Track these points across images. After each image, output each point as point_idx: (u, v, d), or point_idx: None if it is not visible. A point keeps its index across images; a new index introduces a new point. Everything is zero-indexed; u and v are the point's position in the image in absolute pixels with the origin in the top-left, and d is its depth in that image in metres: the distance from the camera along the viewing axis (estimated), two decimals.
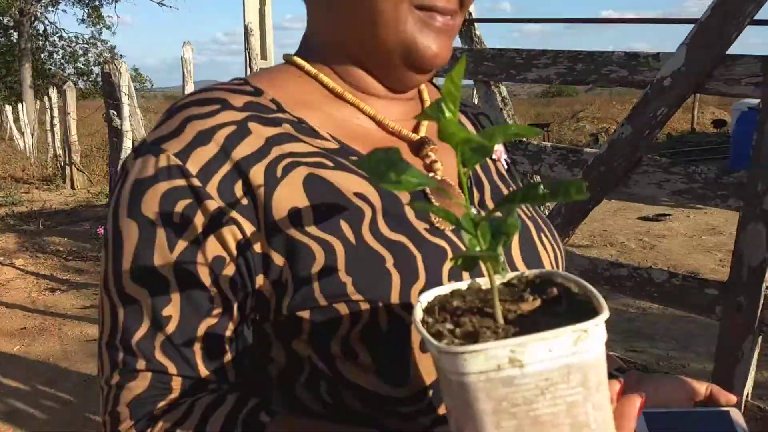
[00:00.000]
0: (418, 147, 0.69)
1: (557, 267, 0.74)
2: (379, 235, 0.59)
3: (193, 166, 0.58)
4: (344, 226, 0.59)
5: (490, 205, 0.71)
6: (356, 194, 0.61)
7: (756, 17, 1.71)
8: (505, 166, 0.82)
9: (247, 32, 4.30)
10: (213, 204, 0.58)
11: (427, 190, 0.66)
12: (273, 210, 0.58)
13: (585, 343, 0.38)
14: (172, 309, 0.59)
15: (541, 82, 2.15)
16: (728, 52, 1.75)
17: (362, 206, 0.60)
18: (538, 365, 0.38)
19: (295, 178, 0.60)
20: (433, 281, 0.59)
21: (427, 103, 0.74)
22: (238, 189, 0.58)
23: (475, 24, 2.34)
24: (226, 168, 0.58)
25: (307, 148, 0.62)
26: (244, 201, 0.58)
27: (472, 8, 1.67)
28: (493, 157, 0.80)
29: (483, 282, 0.47)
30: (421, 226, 0.62)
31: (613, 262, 2.05)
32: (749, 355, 1.75)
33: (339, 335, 0.58)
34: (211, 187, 0.58)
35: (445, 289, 0.48)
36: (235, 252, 0.59)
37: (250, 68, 4.27)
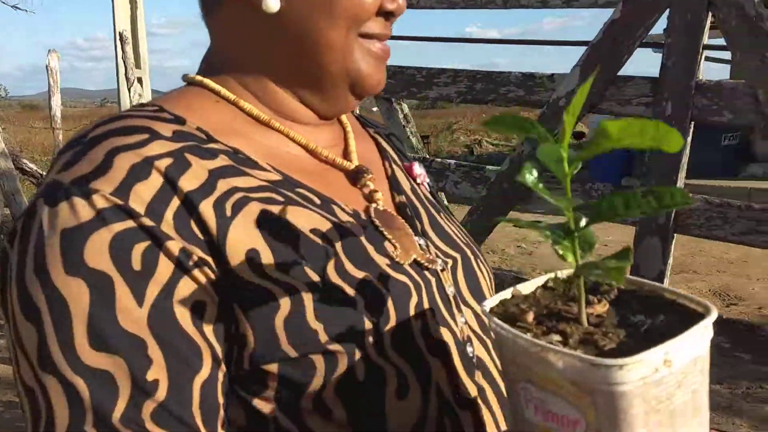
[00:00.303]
0: (355, 176, 0.67)
1: (492, 293, 0.72)
2: (346, 275, 0.56)
3: (138, 204, 0.51)
4: (308, 268, 0.55)
5: (430, 233, 0.69)
6: (313, 231, 0.57)
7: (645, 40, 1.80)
8: (428, 189, 0.80)
9: (121, 39, 4.01)
10: (175, 245, 0.52)
11: (376, 221, 0.63)
12: (228, 253, 0.53)
13: (706, 334, 0.43)
14: (158, 371, 0.51)
15: (442, 99, 2.15)
16: (620, 73, 1.83)
17: (323, 244, 0.57)
18: (680, 361, 0.42)
19: (248, 217, 0.55)
20: (402, 321, 0.57)
21: (348, 127, 0.72)
22: (194, 226, 0.53)
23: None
24: (175, 203, 0.53)
25: (252, 181, 0.58)
26: (203, 240, 0.53)
27: None
28: (418, 181, 0.78)
29: (523, 287, 0.50)
30: (383, 261, 0.60)
31: (517, 276, 2.07)
32: None
33: (311, 390, 0.54)
34: (167, 226, 0.52)
35: (500, 297, 0.49)
36: (214, 294, 0.53)
37: (127, 78, 4.00)
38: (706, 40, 1.70)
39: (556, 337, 0.44)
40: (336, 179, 0.66)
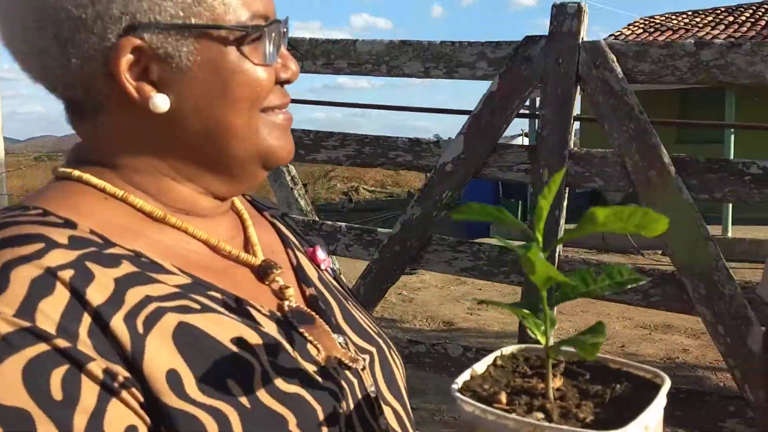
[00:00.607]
0: (263, 272, 0.64)
1: (405, 384, 0.71)
2: (274, 390, 0.54)
3: (47, 324, 0.47)
4: (234, 387, 0.51)
5: (345, 327, 0.68)
6: (234, 341, 0.54)
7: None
8: (332, 274, 0.78)
9: None
10: (97, 366, 0.47)
11: (294, 322, 0.61)
12: (147, 374, 0.49)
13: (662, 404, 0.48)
14: None
15: (330, 163, 2.15)
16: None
17: (247, 357, 0.54)
18: (653, 426, 0.46)
19: (164, 331, 0.51)
20: (333, 428, 0.56)
21: (244, 213, 0.70)
22: (111, 345, 0.49)
23: None
24: (86, 319, 0.48)
25: (162, 288, 0.54)
26: (122, 359, 0.49)
27: None
28: (322, 267, 0.76)
29: (477, 367, 0.52)
30: (310, 368, 0.58)
31: (410, 339, 2.08)
32: None
33: None
34: (84, 346, 0.47)
35: (462, 379, 0.51)
36: (145, 416, 0.48)
37: None
38: (576, 112, 1.84)
39: (539, 415, 0.47)
40: (243, 277, 0.63)
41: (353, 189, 17.77)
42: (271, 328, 0.59)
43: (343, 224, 2.15)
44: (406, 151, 2.04)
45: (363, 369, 0.64)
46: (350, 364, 0.63)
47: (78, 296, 0.48)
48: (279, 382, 0.54)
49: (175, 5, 0.57)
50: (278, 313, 0.62)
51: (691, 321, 5.59)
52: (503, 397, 0.49)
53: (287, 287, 0.64)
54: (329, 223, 2.15)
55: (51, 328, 0.46)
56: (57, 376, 0.45)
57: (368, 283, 2.06)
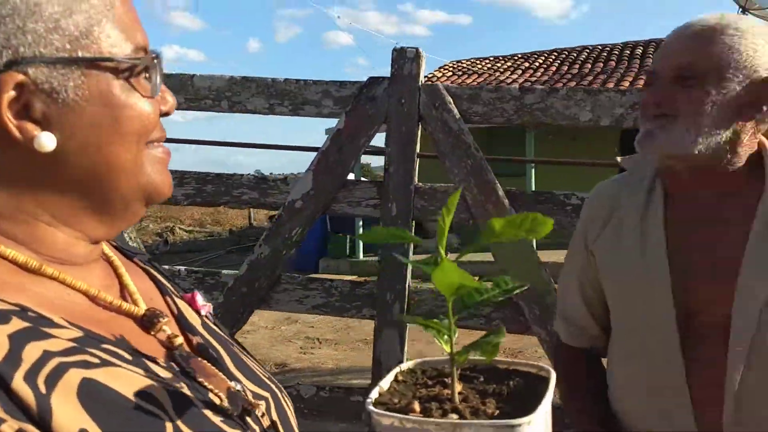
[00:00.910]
0: (148, 322, 0.62)
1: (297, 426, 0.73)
2: None
3: None
4: None
5: (237, 374, 0.67)
6: (139, 395, 0.53)
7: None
8: (212, 319, 0.77)
9: None
10: (9, 428, 0.45)
11: (190, 371, 0.61)
12: None
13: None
14: None
15: (167, 203, 2.02)
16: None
17: (156, 411, 0.53)
18: (548, 410, 0.54)
19: (68, 388, 0.49)
20: None
21: (115, 260, 0.67)
22: (15, 405, 0.46)
23: None
24: None
25: (59, 343, 0.51)
26: (29, 420, 0.46)
27: None
28: (203, 313, 0.75)
29: (383, 384, 0.57)
30: (217, 419, 0.58)
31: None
32: None
33: None
34: None
35: (373, 396, 0.55)
36: None
37: None
38: (418, 150, 1.93)
39: (455, 416, 0.52)
40: (128, 327, 0.61)
41: (168, 229, 16.87)
42: (170, 379, 0.57)
43: (183, 267, 2.03)
44: (251, 188, 1.99)
45: (262, 415, 0.64)
46: (252, 410, 0.62)
47: None
48: None
49: (61, 38, 0.54)
50: (173, 364, 0.60)
51: (509, 341, 6.03)
52: (416, 406, 0.54)
53: (175, 336, 0.62)
54: (167, 267, 2.02)
55: None
56: None
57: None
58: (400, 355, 1.89)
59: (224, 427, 0.57)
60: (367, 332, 6.86)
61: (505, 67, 12.88)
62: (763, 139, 1.08)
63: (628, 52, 12.37)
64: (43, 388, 0.47)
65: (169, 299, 0.70)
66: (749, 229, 1.02)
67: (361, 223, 10.47)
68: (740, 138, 1.04)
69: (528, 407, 0.52)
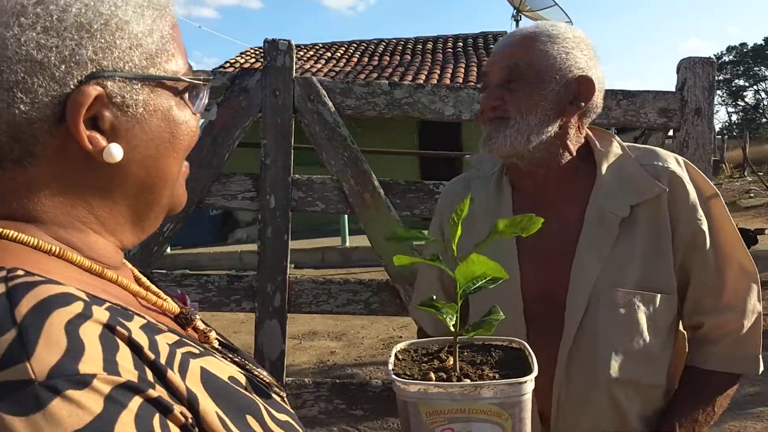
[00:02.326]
0: (184, 319, 0.66)
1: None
2: (278, 421, 0.59)
3: (132, 376, 0.48)
4: (252, 423, 0.55)
5: (250, 363, 0.70)
6: (233, 381, 0.58)
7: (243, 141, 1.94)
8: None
9: None
10: (178, 410, 0.49)
11: (235, 357, 0.66)
12: (202, 417, 0.51)
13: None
14: None
15: None
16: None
17: (248, 394, 0.58)
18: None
19: (194, 376, 0.53)
20: None
21: (129, 264, 0.70)
22: (172, 391, 0.51)
23: None
24: (148, 369, 0.50)
25: (170, 337, 0.55)
26: (183, 405, 0.51)
27: None
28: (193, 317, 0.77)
29: (391, 362, 0.68)
30: (278, 398, 0.64)
31: None
32: None
33: None
34: (163, 394, 0.49)
35: (390, 368, 0.66)
36: None
37: None
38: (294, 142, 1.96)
39: (467, 381, 0.63)
40: (172, 325, 0.64)
41: None
42: (240, 368, 0.62)
43: None
44: None
45: (282, 399, 0.69)
46: (282, 394, 0.69)
47: (135, 349, 0.49)
48: (275, 413, 0.59)
49: (140, 56, 0.56)
50: (228, 356, 0.65)
51: (331, 325, 6.18)
52: (433, 376, 0.64)
53: (210, 331, 0.67)
54: None
55: (135, 379, 0.47)
56: (156, 424, 0.47)
57: None
58: (281, 344, 1.92)
59: (284, 404, 0.64)
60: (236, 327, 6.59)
61: (308, 56, 13.02)
62: (589, 132, 1.23)
63: (420, 46, 13.23)
64: (182, 375, 0.51)
65: (172, 299, 0.71)
66: (583, 213, 1.14)
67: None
68: (568, 133, 1.16)
69: (521, 369, 0.64)
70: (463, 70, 10.80)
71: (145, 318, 0.54)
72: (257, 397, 0.59)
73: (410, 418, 0.62)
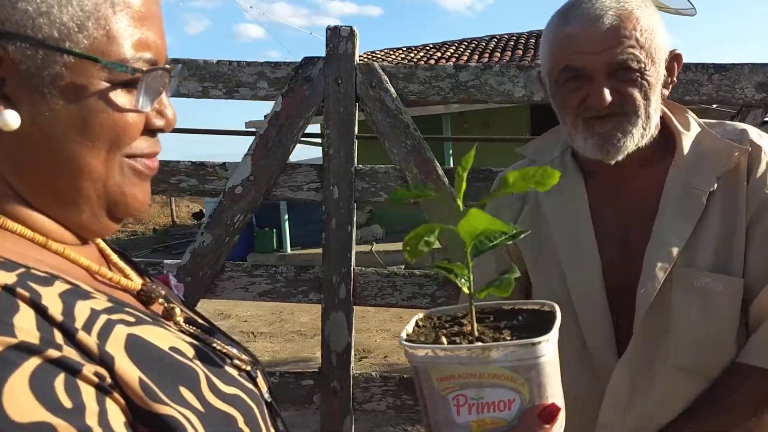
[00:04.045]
0: (146, 296, 0.66)
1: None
2: (219, 393, 0.57)
3: (30, 337, 0.47)
4: (186, 394, 0.54)
5: (226, 341, 0.70)
6: (174, 350, 0.57)
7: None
8: (182, 297, 0.80)
9: None
10: (88, 371, 0.49)
11: (197, 333, 0.65)
12: (121, 381, 0.51)
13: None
14: None
15: None
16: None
17: (189, 364, 0.57)
18: (557, 336, 0.60)
19: (117, 342, 0.52)
20: (265, 427, 0.61)
21: (98, 240, 0.68)
22: (84, 353, 0.50)
23: None
24: (56, 330, 0.49)
25: (100, 303, 0.54)
26: (95, 367, 0.50)
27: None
28: (175, 293, 0.78)
29: (407, 329, 0.64)
30: (235, 373, 0.63)
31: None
32: None
33: None
34: (70, 354, 0.49)
35: (404, 334, 0.63)
36: (130, 417, 0.50)
37: None
38: (357, 131, 1.93)
39: (479, 343, 0.58)
40: (130, 300, 0.63)
41: None
42: (191, 339, 0.61)
43: None
44: (189, 175, 1.93)
45: (255, 377, 0.68)
46: (251, 370, 0.68)
47: (39, 311, 0.48)
48: (220, 385, 0.58)
49: (50, 25, 0.53)
50: (183, 327, 0.64)
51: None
52: (444, 340, 0.60)
53: (173, 308, 0.65)
54: None
55: (36, 341, 0.46)
56: (60, 385, 0.46)
57: None
58: (348, 336, 1.90)
59: (241, 380, 0.62)
60: (302, 323, 6.81)
61: (418, 57, 13.04)
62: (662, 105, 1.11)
63: (533, 40, 12.83)
64: (100, 339, 0.51)
65: (147, 279, 0.72)
66: (662, 193, 1.04)
67: (286, 216, 10.37)
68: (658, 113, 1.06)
69: (544, 332, 0.58)
70: None
71: (73, 285, 0.53)
72: (204, 369, 0.58)
73: (422, 385, 0.60)
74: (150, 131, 0.62)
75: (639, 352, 1.02)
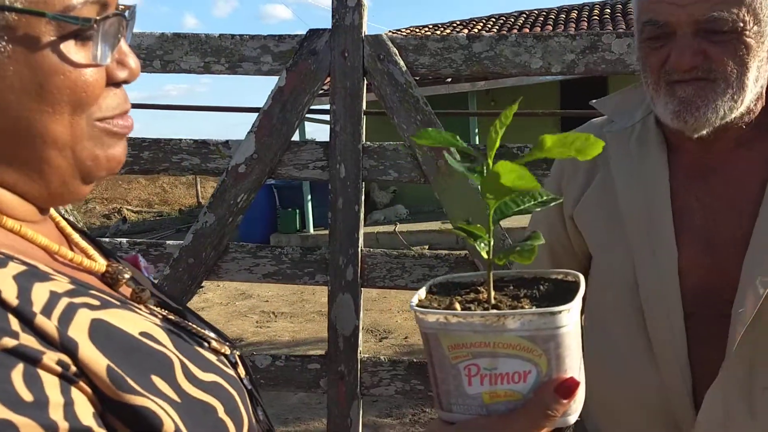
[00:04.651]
0: (110, 278, 0.61)
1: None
2: (196, 381, 0.54)
3: None
4: (159, 383, 0.51)
5: (199, 324, 0.67)
6: (144, 336, 0.53)
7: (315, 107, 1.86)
8: (157, 282, 0.76)
9: None
10: (49, 359, 0.45)
11: (171, 317, 0.61)
12: (86, 369, 0.47)
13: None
14: None
15: None
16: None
17: (162, 351, 0.53)
18: (579, 308, 0.55)
19: (80, 327, 0.49)
20: (249, 418, 0.58)
21: (58, 219, 0.64)
22: (44, 340, 0.46)
23: None
24: (11, 317, 0.46)
25: (61, 285, 0.51)
26: (57, 354, 0.47)
27: None
28: (145, 275, 0.74)
29: (419, 294, 0.60)
30: (213, 358, 0.59)
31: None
32: (357, 420, 1.85)
33: None
34: (28, 341, 0.45)
35: (415, 300, 0.58)
36: (98, 407, 0.47)
37: None
38: (365, 106, 1.85)
39: (494, 311, 0.53)
40: (94, 282, 0.59)
41: (115, 211, 16.38)
42: (159, 322, 0.57)
43: (124, 240, 1.90)
44: (191, 153, 1.87)
45: (235, 363, 0.65)
46: (230, 354, 0.64)
47: None
48: (197, 372, 0.55)
49: None
50: (154, 310, 0.60)
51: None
52: (458, 306, 0.55)
53: (142, 290, 0.61)
54: (106, 239, 1.90)
55: None
56: (18, 376, 0.43)
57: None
58: (355, 319, 1.83)
59: (220, 365, 0.59)
60: (323, 304, 6.81)
61: (446, 33, 12.83)
62: None
63: (564, 15, 12.51)
64: (61, 324, 0.47)
65: (113, 260, 0.67)
66: (765, 187, 0.87)
67: (309, 197, 10.36)
68: (765, 83, 0.89)
69: (565, 302, 0.53)
70: None
71: (30, 266, 0.50)
72: (178, 355, 0.54)
73: (432, 352, 0.56)
74: (115, 84, 0.56)
75: (735, 377, 0.87)
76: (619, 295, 0.94)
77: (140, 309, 0.58)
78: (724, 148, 0.92)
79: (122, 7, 0.56)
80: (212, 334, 0.65)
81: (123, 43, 0.56)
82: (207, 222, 1.85)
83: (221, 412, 0.54)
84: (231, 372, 0.60)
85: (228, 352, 0.64)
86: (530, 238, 0.57)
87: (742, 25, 0.82)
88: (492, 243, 0.59)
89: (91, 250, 0.64)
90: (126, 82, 0.57)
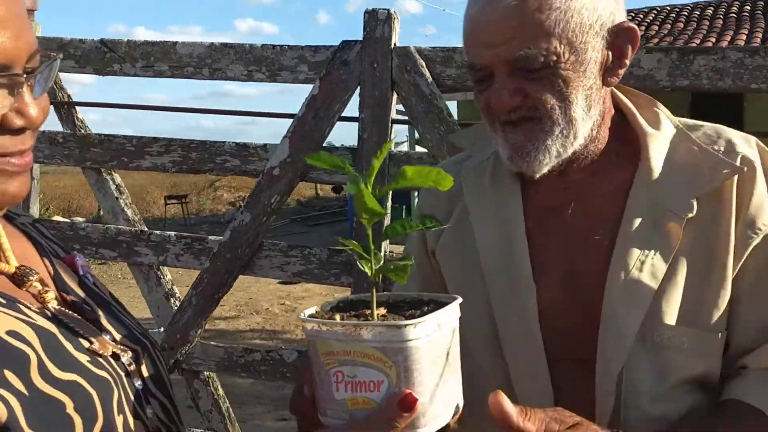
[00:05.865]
0: (19, 279, 0.66)
1: (169, 381, 0.76)
2: (51, 378, 0.58)
3: None
4: (10, 376, 0.55)
5: (110, 328, 0.72)
6: (10, 334, 0.58)
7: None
8: (91, 280, 0.79)
9: None
10: None
11: (62, 318, 0.65)
12: None
13: (457, 313, 0.63)
14: None
15: (156, 170, 2.08)
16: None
17: (23, 348, 0.57)
18: (446, 328, 0.61)
19: None
20: (108, 417, 0.60)
21: None
22: None
23: (77, 108, 2.16)
24: None
25: None
26: None
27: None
28: (81, 273, 0.78)
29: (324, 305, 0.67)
30: (84, 359, 0.63)
31: (246, 348, 2.05)
32: None
33: None
34: None
35: (308, 312, 0.64)
36: None
37: None
38: (394, 115, 1.90)
39: (351, 321, 0.60)
40: (1, 282, 0.64)
41: (241, 198, 17.44)
42: (43, 322, 0.62)
43: (173, 233, 2.09)
44: (233, 155, 2.02)
45: (129, 364, 0.69)
46: (121, 356, 0.68)
47: None
48: (55, 371, 0.58)
49: None
50: (47, 312, 0.65)
51: None
52: (337, 317, 0.62)
53: (46, 291, 0.66)
54: (158, 233, 2.09)
55: None
56: None
57: (199, 292, 2.02)
58: None
59: (90, 366, 0.62)
60: None
61: None
62: (621, 95, 0.89)
63: (698, 12, 11.65)
64: None
65: (46, 260, 0.73)
66: (620, 218, 0.83)
67: (417, 192, 10.48)
68: (605, 104, 0.85)
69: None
70: (744, 37, 9.23)
71: None
72: (40, 354, 0.58)
73: (312, 358, 0.62)
74: (10, 132, 0.61)
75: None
76: (480, 343, 0.89)
77: (31, 308, 0.63)
78: (579, 178, 0.87)
79: (28, 67, 0.61)
80: (112, 335, 0.70)
81: (27, 95, 0.61)
82: (243, 220, 1.99)
83: (70, 408, 0.57)
84: (100, 372, 0.63)
85: (109, 352, 0.67)
86: (403, 259, 0.62)
87: (555, 58, 0.77)
88: (375, 262, 0.63)
89: (8, 252, 0.69)
90: (23, 129, 0.61)
